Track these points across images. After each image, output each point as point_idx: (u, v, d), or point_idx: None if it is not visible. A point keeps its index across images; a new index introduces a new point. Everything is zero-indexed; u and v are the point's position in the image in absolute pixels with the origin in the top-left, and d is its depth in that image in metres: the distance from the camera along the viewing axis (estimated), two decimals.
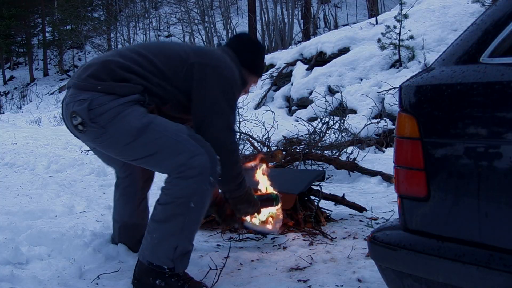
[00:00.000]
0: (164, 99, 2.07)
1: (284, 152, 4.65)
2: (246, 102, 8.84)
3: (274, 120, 5.22)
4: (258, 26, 17.67)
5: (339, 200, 3.25)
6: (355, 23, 14.46)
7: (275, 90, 10.12)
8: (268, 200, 2.54)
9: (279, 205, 2.58)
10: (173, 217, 1.96)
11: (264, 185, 2.78)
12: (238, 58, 2.25)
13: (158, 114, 2.08)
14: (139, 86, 2.00)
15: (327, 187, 4.18)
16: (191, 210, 1.95)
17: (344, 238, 2.74)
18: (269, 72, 10.78)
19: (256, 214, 2.46)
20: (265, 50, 2.50)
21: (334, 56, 9.36)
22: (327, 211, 3.16)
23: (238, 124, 5.19)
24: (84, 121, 1.94)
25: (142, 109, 1.99)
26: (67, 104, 2.02)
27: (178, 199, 1.94)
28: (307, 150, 4.65)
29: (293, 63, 10.15)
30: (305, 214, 2.93)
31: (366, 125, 5.96)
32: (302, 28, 17.64)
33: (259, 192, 2.67)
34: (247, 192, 2.27)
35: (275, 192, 2.61)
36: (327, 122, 5.06)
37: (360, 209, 3.23)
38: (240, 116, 5.46)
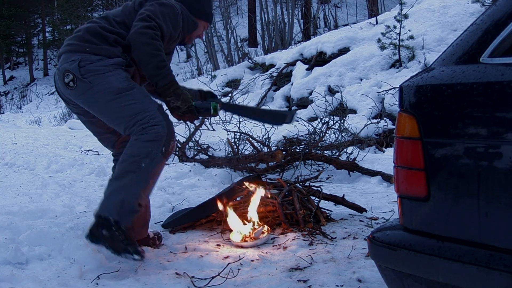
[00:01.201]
0: None
1: (284, 152, 4.65)
2: (246, 102, 8.85)
3: None
4: (258, 26, 17.64)
5: (339, 200, 3.24)
6: (355, 23, 14.44)
7: (275, 90, 10.10)
8: (205, 107, 2.49)
9: (216, 114, 2.52)
10: (125, 174, 2.25)
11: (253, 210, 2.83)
12: (185, 5, 2.52)
13: (140, 80, 2.49)
14: (120, 48, 2.35)
15: (327, 187, 4.18)
16: (142, 169, 2.24)
17: (344, 238, 2.74)
18: (269, 72, 10.76)
19: (192, 115, 2.45)
20: (210, 1, 2.74)
21: (334, 56, 9.34)
22: (327, 211, 3.16)
23: (238, 124, 5.19)
24: (75, 77, 2.27)
25: (125, 74, 2.33)
26: (59, 68, 2.36)
27: (132, 158, 2.24)
28: (307, 150, 4.65)
29: (293, 63, 10.14)
30: (305, 214, 2.93)
31: (366, 125, 5.96)
32: (302, 28, 17.62)
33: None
34: (172, 85, 2.36)
35: (216, 102, 2.55)
36: (327, 122, 5.06)
37: (360, 209, 3.22)
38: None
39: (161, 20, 2.36)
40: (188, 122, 2.51)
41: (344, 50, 9.35)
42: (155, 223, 3.17)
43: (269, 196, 2.97)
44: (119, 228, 2.22)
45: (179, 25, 2.49)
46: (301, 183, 3.35)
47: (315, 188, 3.25)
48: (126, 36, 2.39)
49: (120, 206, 2.23)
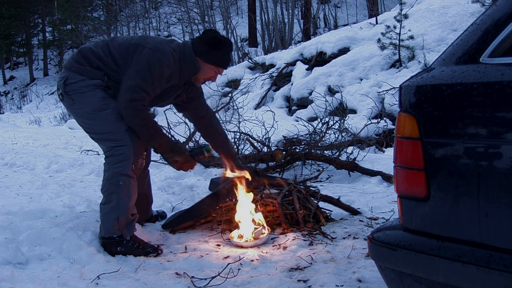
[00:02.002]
0: (119, 82, 2.59)
1: (284, 152, 4.65)
2: (246, 102, 8.84)
3: (274, 120, 5.21)
4: (258, 26, 17.63)
5: (334, 202, 3.23)
6: (355, 23, 14.42)
7: (275, 90, 10.09)
8: (199, 152, 2.80)
9: (210, 154, 2.84)
10: (110, 196, 2.57)
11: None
12: (193, 48, 2.69)
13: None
14: (101, 72, 2.58)
15: (327, 187, 4.18)
16: (121, 186, 2.55)
17: (344, 238, 2.74)
18: (269, 72, 10.75)
19: (190, 163, 2.74)
20: (224, 45, 2.74)
21: (334, 56, 9.33)
22: (327, 211, 3.16)
23: (238, 124, 5.20)
24: (62, 92, 2.60)
25: (102, 94, 2.57)
26: (57, 79, 2.71)
27: (109, 181, 2.57)
28: (307, 150, 4.65)
29: (293, 63, 10.13)
30: (305, 214, 2.93)
31: (366, 125, 5.95)
32: (302, 28, 17.60)
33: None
34: (168, 145, 2.65)
35: (207, 144, 2.89)
36: (327, 122, 5.05)
37: (354, 212, 3.22)
38: (240, 116, 5.46)
39: (148, 83, 2.54)
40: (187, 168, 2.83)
41: (344, 50, 9.34)
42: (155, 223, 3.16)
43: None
44: (125, 239, 2.57)
45: (164, 77, 2.60)
46: (299, 184, 3.34)
47: (312, 189, 3.25)
48: (109, 65, 2.59)
49: (117, 223, 2.56)
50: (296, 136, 5.12)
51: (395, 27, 7.91)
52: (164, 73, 2.59)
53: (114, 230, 2.55)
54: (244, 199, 2.83)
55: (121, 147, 2.56)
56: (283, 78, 10.23)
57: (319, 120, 5.31)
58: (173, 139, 2.88)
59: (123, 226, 2.57)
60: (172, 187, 4.20)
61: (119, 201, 2.55)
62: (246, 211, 2.81)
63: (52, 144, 8.37)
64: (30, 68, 27.12)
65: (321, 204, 3.21)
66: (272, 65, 11.08)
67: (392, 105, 7.01)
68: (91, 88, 2.56)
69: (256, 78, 10.85)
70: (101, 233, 2.60)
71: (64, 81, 2.58)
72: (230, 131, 5.21)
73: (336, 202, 3.23)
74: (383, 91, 7.36)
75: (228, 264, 2.35)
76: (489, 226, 1.28)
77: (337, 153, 4.89)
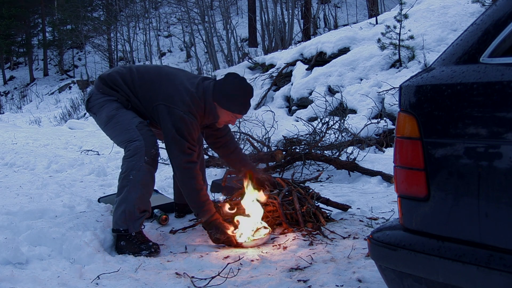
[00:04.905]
0: (139, 112, 2.87)
1: (284, 152, 4.65)
2: None
3: (274, 120, 5.22)
4: (258, 26, 17.63)
5: (324, 201, 3.23)
6: (355, 23, 14.41)
7: (275, 90, 10.09)
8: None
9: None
10: (121, 190, 2.68)
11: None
12: (213, 94, 2.77)
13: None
14: (123, 98, 2.85)
15: (327, 187, 4.18)
16: (131, 180, 2.66)
17: (344, 238, 2.74)
18: (269, 72, 10.76)
19: (228, 242, 2.73)
20: (242, 95, 2.78)
21: (334, 56, 9.33)
22: (327, 211, 3.16)
23: (238, 124, 5.20)
24: (87, 107, 2.93)
25: (116, 105, 2.82)
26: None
27: (122, 174, 2.71)
28: (307, 150, 4.65)
29: (293, 63, 10.13)
30: (305, 214, 2.93)
31: (366, 125, 5.95)
32: (302, 28, 17.60)
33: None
34: (212, 220, 2.72)
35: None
36: (327, 122, 5.06)
37: (344, 208, 3.23)
38: None
39: (185, 136, 2.69)
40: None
41: (344, 50, 9.34)
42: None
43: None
44: (130, 234, 2.62)
45: (198, 127, 2.81)
46: (297, 184, 3.34)
47: (303, 186, 3.24)
48: (132, 100, 2.84)
49: (124, 216, 2.63)
50: (296, 136, 5.12)
51: (395, 27, 7.90)
52: (196, 128, 2.78)
53: (120, 223, 2.63)
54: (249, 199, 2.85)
55: (133, 142, 2.71)
56: (283, 78, 10.23)
57: (319, 120, 5.31)
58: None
59: (130, 219, 2.63)
60: (172, 187, 4.20)
61: (128, 194, 2.65)
62: (249, 210, 2.82)
63: (52, 144, 8.38)
64: (30, 68, 27.11)
65: (322, 204, 3.21)
66: (272, 65, 11.08)
67: (392, 105, 7.01)
68: (108, 102, 2.83)
69: (256, 78, 10.85)
70: (112, 226, 2.69)
71: (88, 99, 2.90)
72: None
73: (326, 201, 3.23)
74: (383, 91, 7.36)
75: (228, 264, 2.35)
76: (489, 226, 1.28)
77: (337, 153, 4.89)
